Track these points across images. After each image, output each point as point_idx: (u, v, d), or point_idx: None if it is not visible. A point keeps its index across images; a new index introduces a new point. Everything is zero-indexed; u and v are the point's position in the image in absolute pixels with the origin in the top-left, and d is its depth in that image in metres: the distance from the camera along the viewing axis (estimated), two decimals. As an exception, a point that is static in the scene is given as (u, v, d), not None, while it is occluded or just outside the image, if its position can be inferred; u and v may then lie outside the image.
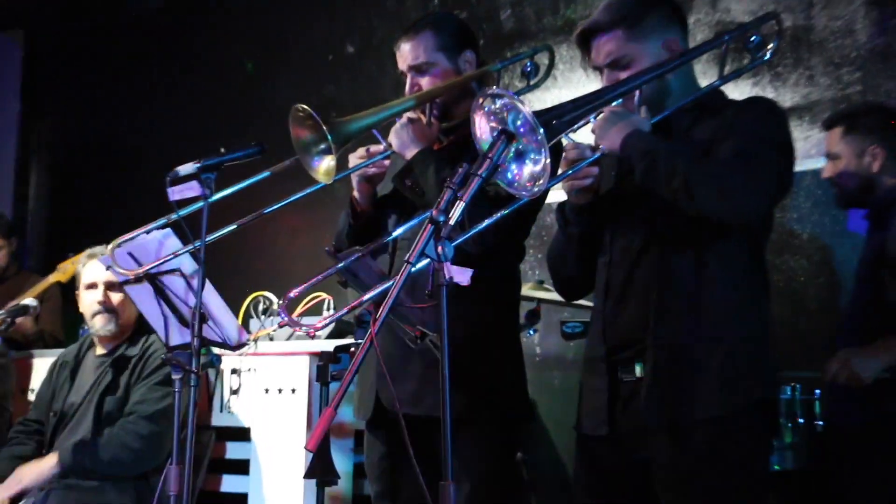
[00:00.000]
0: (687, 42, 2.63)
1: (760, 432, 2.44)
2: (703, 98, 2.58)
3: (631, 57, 2.54)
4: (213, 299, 2.91)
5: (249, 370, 4.10)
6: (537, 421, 4.46)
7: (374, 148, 2.99)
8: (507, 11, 5.08)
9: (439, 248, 2.09)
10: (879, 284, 3.40)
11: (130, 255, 3.00)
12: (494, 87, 2.21)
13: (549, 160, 2.15)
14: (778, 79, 4.38)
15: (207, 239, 2.73)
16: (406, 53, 3.05)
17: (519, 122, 2.17)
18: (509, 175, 2.24)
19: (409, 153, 2.92)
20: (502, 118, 2.20)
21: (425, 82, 3.03)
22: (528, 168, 2.22)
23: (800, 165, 4.21)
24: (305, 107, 2.76)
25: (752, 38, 2.64)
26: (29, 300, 3.80)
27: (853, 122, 3.59)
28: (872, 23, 4.21)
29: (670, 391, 2.38)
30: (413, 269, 2.10)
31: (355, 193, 3.06)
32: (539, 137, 2.15)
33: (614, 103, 2.49)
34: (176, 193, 2.70)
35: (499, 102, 2.18)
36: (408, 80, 3.06)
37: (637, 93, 2.49)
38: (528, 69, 3.11)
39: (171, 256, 2.79)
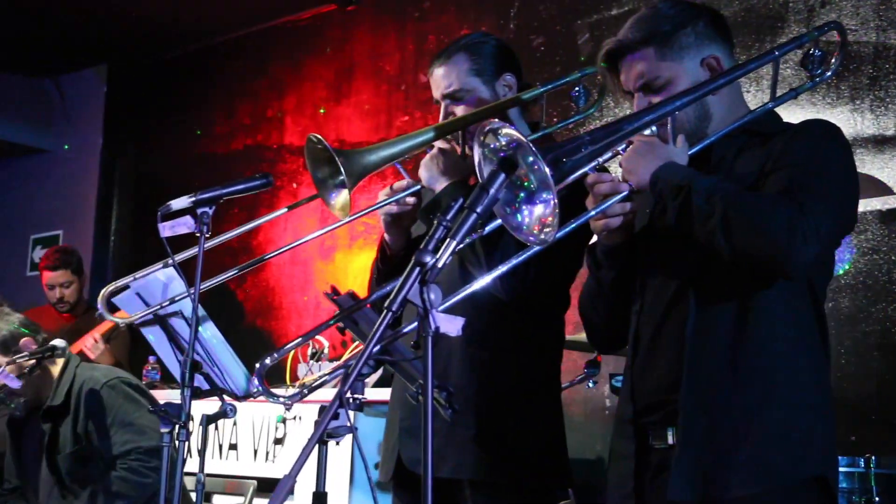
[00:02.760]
0: (732, 58, 2.28)
1: None
2: (751, 124, 2.22)
3: (665, 78, 2.22)
4: (217, 345, 2.69)
5: (295, 418, 3.88)
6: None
7: (397, 184, 2.73)
8: (584, 36, 4.76)
9: (425, 294, 1.82)
10: None
11: (138, 295, 2.81)
12: (495, 120, 1.91)
13: (556, 202, 1.86)
14: (881, 103, 3.93)
15: (204, 285, 2.50)
16: (439, 80, 2.79)
17: (530, 159, 1.89)
18: (519, 217, 1.96)
19: (439, 186, 2.66)
20: (510, 155, 1.91)
21: (460, 111, 2.76)
22: (538, 210, 1.93)
23: (898, 202, 3.81)
24: (320, 137, 2.53)
25: (811, 52, 2.27)
26: (58, 341, 3.61)
27: None
28: None
29: (703, 463, 2.05)
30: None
31: (385, 235, 2.79)
32: (545, 179, 1.85)
33: (647, 132, 2.17)
34: (167, 229, 2.46)
35: (503, 139, 1.91)
36: (442, 109, 2.79)
37: (670, 120, 2.15)
38: (576, 94, 2.80)
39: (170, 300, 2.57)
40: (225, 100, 6.38)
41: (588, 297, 2.38)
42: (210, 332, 2.68)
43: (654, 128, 2.16)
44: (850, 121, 3.93)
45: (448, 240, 1.86)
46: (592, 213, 2.13)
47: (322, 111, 5.86)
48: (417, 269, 1.84)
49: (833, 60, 2.28)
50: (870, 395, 3.65)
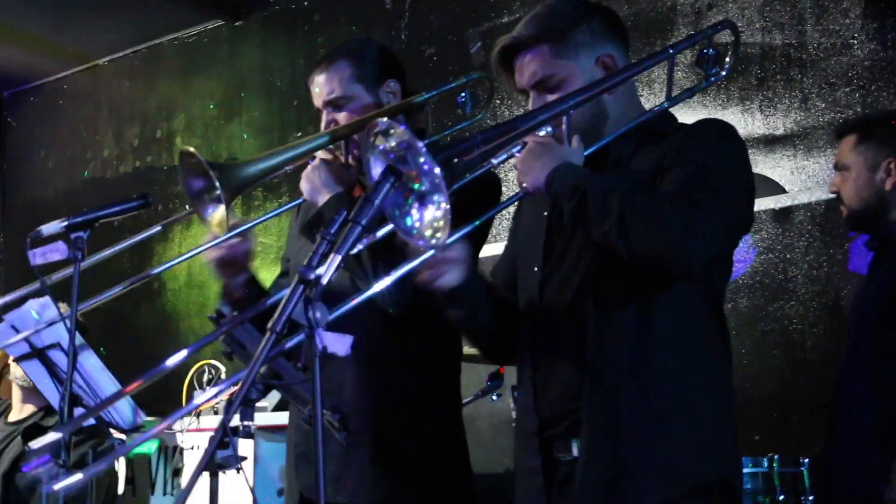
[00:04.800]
0: (627, 58, 2.24)
1: None
2: (647, 123, 2.19)
3: (560, 77, 2.17)
4: (100, 377, 2.55)
5: (193, 448, 3.73)
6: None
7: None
8: (476, 44, 4.73)
9: (310, 313, 1.72)
10: (888, 330, 2.92)
11: (13, 327, 2.65)
12: (384, 119, 1.81)
13: (448, 205, 1.77)
14: (769, 104, 3.96)
15: (80, 308, 2.35)
16: (321, 87, 2.70)
17: (421, 160, 1.80)
18: (409, 221, 1.86)
19: (322, 199, 2.54)
20: (400, 157, 1.83)
21: (342, 118, 2.68)
22: (429, 213, 1.84)
23: (793, 199, 3.85)
24: (193, 150, 2.42)
25: (706, 52, 2.24)
26: None
27: (868, 130, 3.07)
28: (871, 37, 3.79)
29: (608, 471, 2.00)
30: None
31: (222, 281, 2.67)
32: (437, 181, 1.77)
33: (542, 133, 2.11)
34: (38, 257, 2.31)
35: (393, 140, 1.81)
36: (323, 118, 2.70)
37: (565, 119, 2.09)
38: (463, 100, 2.74)
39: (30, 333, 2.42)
40: (112, 121, 6.19)
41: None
42: (91, 362, 2.54)
43: (549, 128, 2.10)
44: (740, 122, 3.96)
45: (332, 254, 1.77)
46: (407, 268, 1.97)
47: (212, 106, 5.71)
48: (301, 287, 1.75)
49: (727, 59, 2.26)
50: (771, 393, 3.66)
